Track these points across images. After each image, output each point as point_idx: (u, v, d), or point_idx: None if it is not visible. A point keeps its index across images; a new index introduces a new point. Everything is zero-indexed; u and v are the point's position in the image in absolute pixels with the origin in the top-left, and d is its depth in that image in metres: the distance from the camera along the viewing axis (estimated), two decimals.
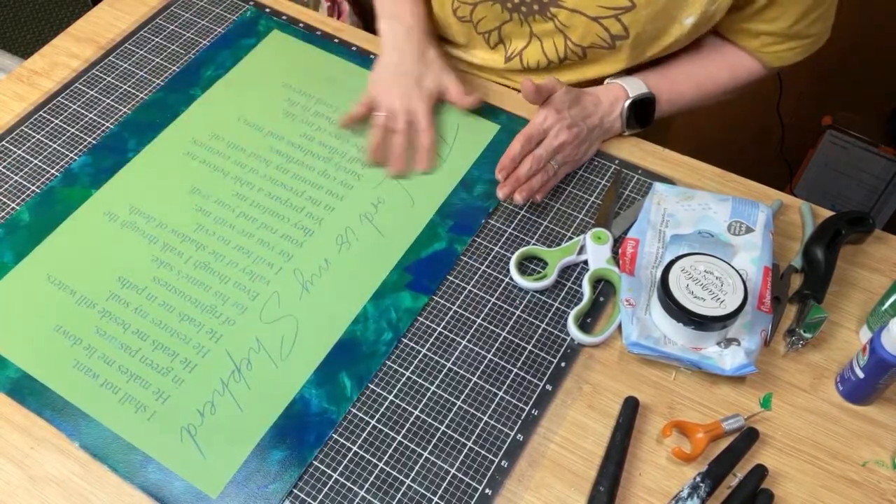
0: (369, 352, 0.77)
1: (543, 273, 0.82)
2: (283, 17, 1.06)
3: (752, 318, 0.76)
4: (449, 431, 0.72)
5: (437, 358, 0.77)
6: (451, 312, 0.80)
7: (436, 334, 0.78)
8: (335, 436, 0.72)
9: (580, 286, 0.82)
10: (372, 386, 0.75)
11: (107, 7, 1.08)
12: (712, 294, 0.73)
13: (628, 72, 0.93)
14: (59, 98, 0.97)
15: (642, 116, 0.92)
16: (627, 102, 0.90)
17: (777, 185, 0.91)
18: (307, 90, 0.98)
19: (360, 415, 0.73)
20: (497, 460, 0.71)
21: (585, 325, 0.79)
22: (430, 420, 0.73)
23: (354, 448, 0.71)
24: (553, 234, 0.86)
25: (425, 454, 0.71)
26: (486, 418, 0.73)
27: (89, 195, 0.88)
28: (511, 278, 0.82)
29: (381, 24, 0.96)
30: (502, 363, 0.76)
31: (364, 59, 1.01)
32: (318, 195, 0.88)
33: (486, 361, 0.77)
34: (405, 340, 0.78)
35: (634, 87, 0.90)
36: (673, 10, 0.85)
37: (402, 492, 0.69)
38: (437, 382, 0.75)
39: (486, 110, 0.96)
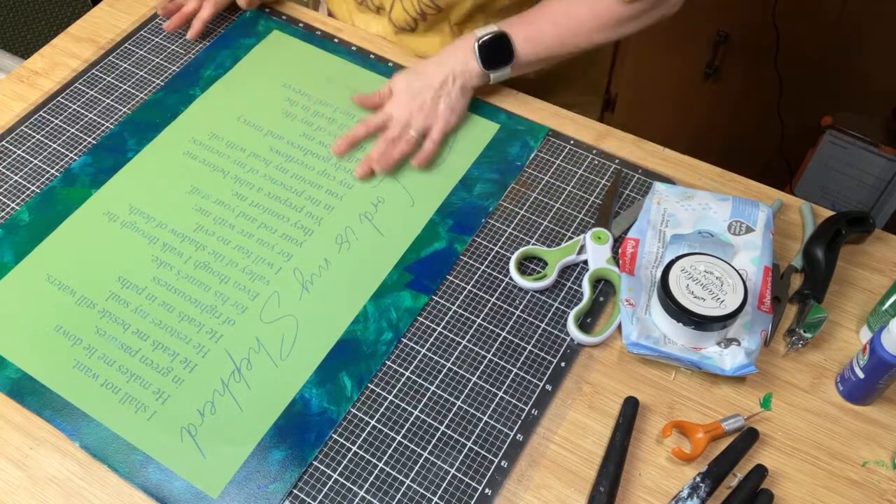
0: (369, 352, 0.77)
1: (543, 273, 0.82)
2: (283, 17, 1.06)
3: (752, 318, 0.76)
4: (449, 431, 0.72)
5: (436, 358, 0.77)
6: (450, 312, 0.80)
7: (436, 334, 0.78)
8: (335, 436, 0.72)
9: (580, 286, 0.82)
10: (372, 386, 0.75)
11: (106, 7, 1.08)
12: (712, 294, 0.73)
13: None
14: (59, 98, 0.97)
15: (501, 55, 0.91)
16: (476, 43, 0.90)
17: (777, 185, 0.91)
18: (307, 90, 0.98)
19: (360, 415, 0.73)
20: (497, 460, 0.71)
21: (585, 325, 0.79)
22: (429, 420, 0.73)
23: (354, 448, 0.71)
24: (553, 233, 0.86)
25: (425, 454, 0.71)
26: (485, 418, 0.73)
27: (89, 195, 0.88)
28: (511, 278, 0.82)
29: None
30: (502, 363, 0.76)
31: (364, 59, 1.01)
32: (317, 195, 0.88)
33: (485, 361, 0.77)
34: (405, 340, 0.78)
35: (485, 30, 0.91)
36: None
37: (401, 492, 0.69)
38: (436, 382, 0.75)
39: (486, 110, 0.96)
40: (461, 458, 0.71)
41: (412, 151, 0.90)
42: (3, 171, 0.90)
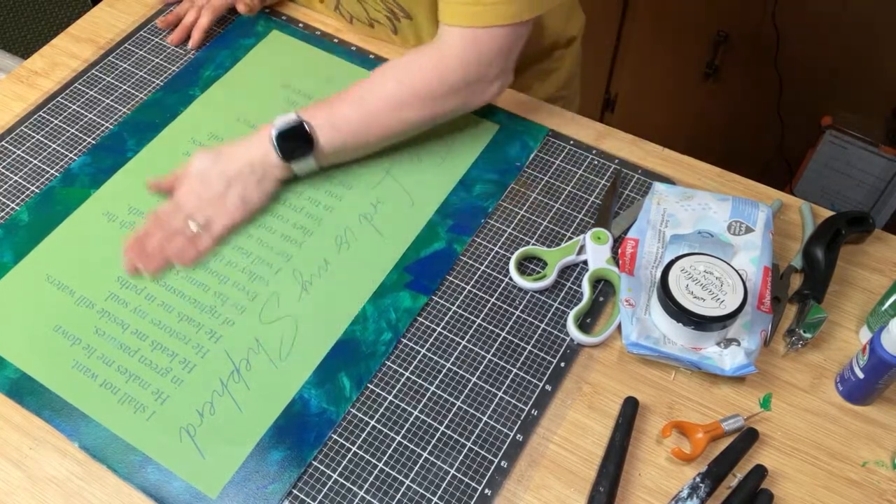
0: (369, 352, 0.77)
1: (543, 273, 0.82)
2: (283, 17, 1.06)
3: (752, 318, 0.76)
4: (448, 432, 0.72)
5: (436, 358, 0.77)
6: (450, 313, 0.80)
7: (435, 334, 0.78)
8: (334, 436, 0.72)
9: (580, 286, 0.82)
10: (371, 386, 0.75)
11: (106, 7, 1.08)
12: (712, 294, 0.73)
13: None
14: (58, 98, 0.97)
15: (300, 145, 0.83)
16: (273, 132, 0.82)
17: (777, 185, 0.91)
18: (306, 90, 0.98)
19: (360, 415, 0.73)
20: (497, 460, 0.71)
21: (585, 325, 0.79)
22: (429, 420, 0.73)
23: (354, 448, 0.71)
24: (553, 234, 0.85)
25: (425, 454, 0.71)
26: (485, 419, 0.73)
27: (89, 195, 0.88)
28: (511, 278, 0.82)
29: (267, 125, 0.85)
30: (502, 363, 0.76)
31: (363, 59, 1.01)
32: (317, 195, 0.88)
33: (485, 362, 0.76)
34: (405, 341, 0.78)
35: (284, 119, 0.83)
36: None
37: (401, 492, 0.69)
38: (436, 383, 0.75)
39: (485, 110, 0.95)
40: (461, 458, 0.71)
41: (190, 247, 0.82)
42: (3, 171, 0.90)
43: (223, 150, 0.84)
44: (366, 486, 0.69)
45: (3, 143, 0.93)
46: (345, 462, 0.71)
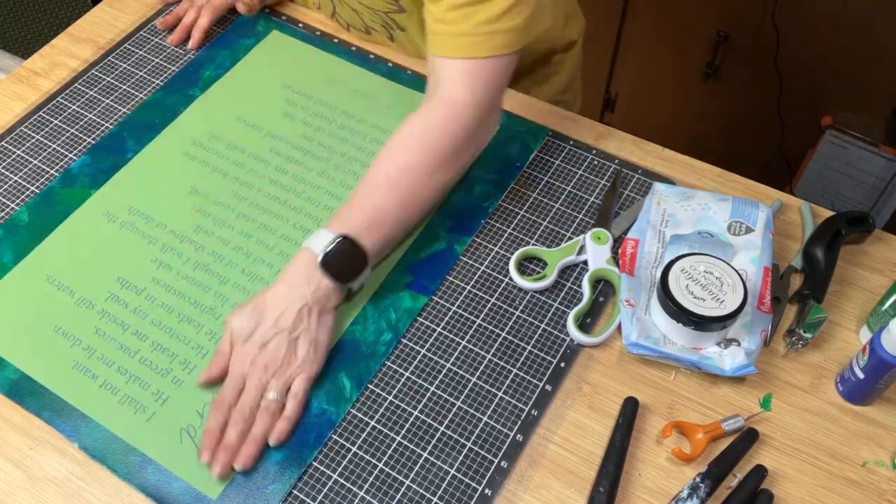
0: (369, 352, 0.77)
1: (543, 273, 0.82)
2: (283, 17, 1.06)
3: (752, 319, 0.76)
4: (448, 432, 0.72)
5: (436, 358, 0.77)
6: (450, 313, 0.80)
7: (435, 335, 0.78)
8: (334, 436, 0.72)
9: (580, 286, 0.82)
10: (371, 386, 0.75)
11: (106, 7, 1.08)
12: (712, 294, 0.73)
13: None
14: (58, 98, 0.97)
15: (354, 261, 0.75)
16: (318, 260, 0.74)
17: (777, 185, 0.91)
18: (306, 90, 0.98)
19: (360, 415, 0.73)
20: (497, 461, 0.71)
21: (585, 325, 0.79)
22: (429, 420, 0.73)
23: (354, 449, 0.71)
24: (553, 234, 0.85)
25: (425, 455, 0.71)
26: (485, 419, 0.73)
27: (88, 195, 0.88)
28: (511, 278, 0.82)
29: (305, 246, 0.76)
30: (502, 363, 0.76)
31: (363, 59, 1.01)
32: (317, 195, 0.88)
33: (485, 362, 0.76)
34: (405, 341, 0.78)
35: (320, 240, 0.74)
36: None
37: (401, 492, 0.69)
38: (436, 383, 0.75)
39: None
40: (461, 458, 0.71)
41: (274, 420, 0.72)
42: (3, 171, 0.90)
43: (261, 301, 0.74)
44: (366, 486, 0.69)
45: (3, 143, 0.93)
46: (345, 462, 0.71)
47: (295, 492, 0.69)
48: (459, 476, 0.70)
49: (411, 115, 0.80)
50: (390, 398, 0.74)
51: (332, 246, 0.74)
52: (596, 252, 0.82)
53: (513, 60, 0.81)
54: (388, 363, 0.76)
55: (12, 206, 0.87)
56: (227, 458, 0.69)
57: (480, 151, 0.84)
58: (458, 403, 0.74)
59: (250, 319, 0.73)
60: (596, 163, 0.91)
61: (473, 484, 0.69)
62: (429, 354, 0.77)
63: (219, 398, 0.71)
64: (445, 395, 0.74)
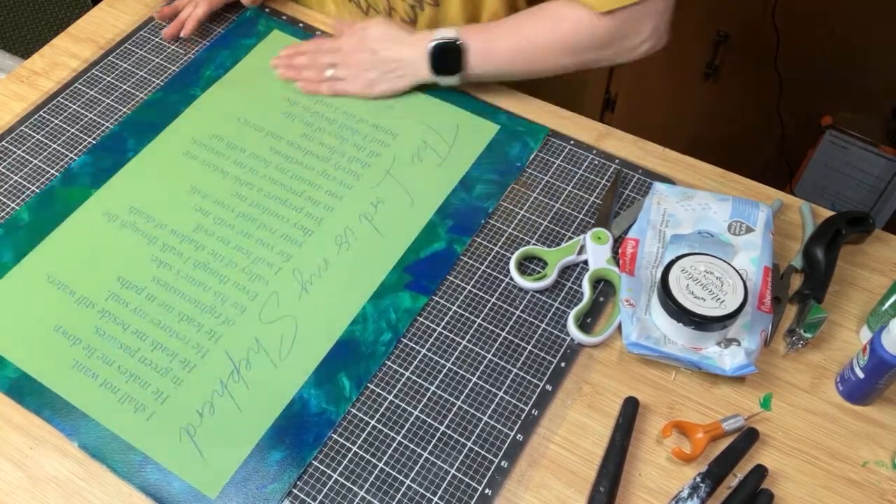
0: (368, 352, 0.77)
1: (543, 273, 0.82)
2: (283, 17, 1.06)
3: (752, 318, 0.76)
4: (449, 432, 0.72)
5: (436, 358, 0.77)
6: (450, 313, 0.80)
7: (435, 334, 0.78)
8: (335, 436, 0.72)
9: (580, 286, 0.82)
10: (371, 386, 0.75)
11: (106, 7, 1.08)
12: (712, 294, 0.73)
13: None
14: (58, 98, 0.97)
15: (450, 64, 0.91)
16: (431, 44, 0.90)
17: (777, 185, 0.91)
18: None
19: (360, 415, 0.73)
20: (497, 460, 0.71)
21: (585, 325, 0.79)
22: (429, 420, 0.73)
23: (354, 448, 0.71)
24: (553, 233, 0.85)
25: (425, 454, 0.71)
26: (485, 418, 0.73)
27: (89, 195, 0.88)
28: (511, 278, 0.82)
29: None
30: (502, 363, 0.76)
31: None
32: (317, 195, 0.88)
33: (485, 362, 0.76)
34: (405, 341, 0.78)
35: (443, 33, 0.90)
36: None
37: (401, 492, 0.69)
38: (436, 383, 0.75)
39: (486, 110, 0.96)
40: (461, 458, 0.71)
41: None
42: (3, 171, 0.90)
43: (395, 33, 0.93)
44: (366, 486, 0.69)
45: (3, 143, 0.93)
46: (345, 462, 0.71)
47: (295, 491, 0.69)
48: (460, 476, 0.70)
49: (562, 4, 0.88)
50: (390, 398, 0.74)
51: (447, 42, 0.89)
52: (596, 252, 0.82)
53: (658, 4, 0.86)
54: (389, 363, 0.76)
55: (13, 205, 0.87)
56: (284, 69, 0.97)
57: (615, 64, 0.92)
58: (459, 403, 0.74)
59: (381, 32, 0.94)
60: (596, 163, 0.91)
61: (474, 483, 0.69)
62: (429, 354, 0.77)
63: (317, 41, 0.98)
64: (446, 395, 0.74)
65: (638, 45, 0.89)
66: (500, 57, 0.91)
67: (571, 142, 0.93)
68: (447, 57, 0.90)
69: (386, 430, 0.72)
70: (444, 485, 0.69)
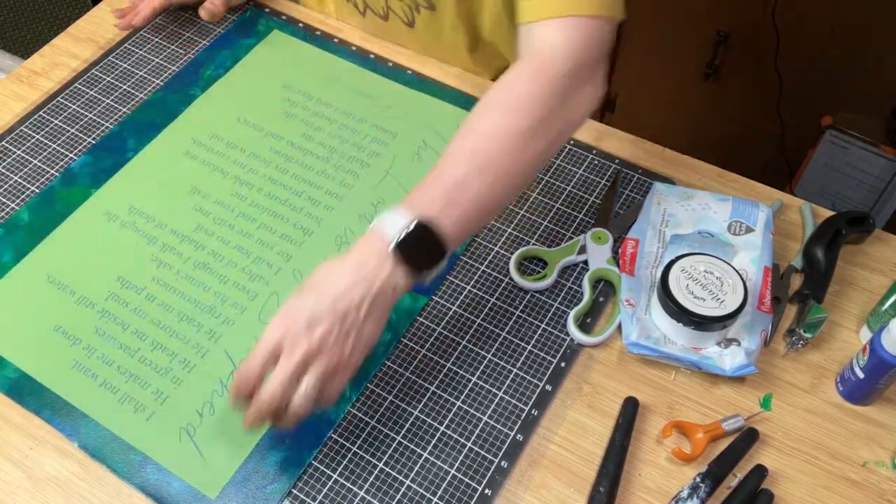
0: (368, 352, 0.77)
1: (543, 273, 0.82)
2: (283, 17, 1.06)
3: (752, 318, 0.76)
4: (448, 432, 0.72)
5: (436, 358, 0.77)
6: (450, 313, 0.80)
7: (435, 334, 0.78)
8: (334, 436, 0.72)
9: (580, 286, 0.82)
10: (371, 386, 0.75)
11: (106, 7, 1.08)
12: (712, 294, 0.73)
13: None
14: (58, 98, 0.97)
15: (431, 249, 0.65)
16: (391, 248, 0.64)
17: (777, 185, 0.91)
18: (307, 90, 0.98)
19: (360, 415, 0.73)
20: (497, 460, 0.71)
21: (585, 325, 0.79)
22: (429, 420, 0.73)
23: (354, 448, 0.71)
24: (553, 234, 0.85)
25: (425, 454, 0.71)
26: (485, 418, 0.73)
27: (89, 195, 0.88)
28: (511, 278, 0.82)
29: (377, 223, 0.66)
30: (502, 363, 0.76)
31: (364, 58, 1.01)
32: (317, 195, 0.88)
33: (485, 362, 0.76)
34: (405, 340, 0.78)
35: (392, 225, 0.64)
36: None
37: (401, 492, 0.69)
38: (436, 383, 0.75)
39: None
40: (461, 458, 0.71)
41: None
42: (3, 171, 0.90)
43: (322, 277, 0.64)
44: (366, 486, 0.69)
45: (3, 143, 0.93)
46: (345, 462, 0.71)
47: (295, 491, 0.69)
48: (459, 476, 0.70)
49: (502, 77, 0.71)
50: (390, 398, 0.74)
51: (405, 232, 0.63)
52: (596, 252, 0.82)
53: (612, 33, 0.73)
54: (388, 363, 0.76)
55: (12, 205, 0.87)
56: (257, 413, 0.62)
57: (577, 125, 0.74)
58: (459, 403, 0.74)
59: (306, 297, 0.63)
60: (596, 163, 0.91)
61: (473, 484, 0.69)
62: (429, 354, 0.77)
63: (244, 369, 0.62)
64: (445, 395, 0.74)
65: (595, 87, 0.73)
66: (469, 193, 0.66)
67: (571, 142, 0.93)
68: (417, 248, 0.64)
69: (386, 431, 0.72)
70: (444, 485, 0.69)
